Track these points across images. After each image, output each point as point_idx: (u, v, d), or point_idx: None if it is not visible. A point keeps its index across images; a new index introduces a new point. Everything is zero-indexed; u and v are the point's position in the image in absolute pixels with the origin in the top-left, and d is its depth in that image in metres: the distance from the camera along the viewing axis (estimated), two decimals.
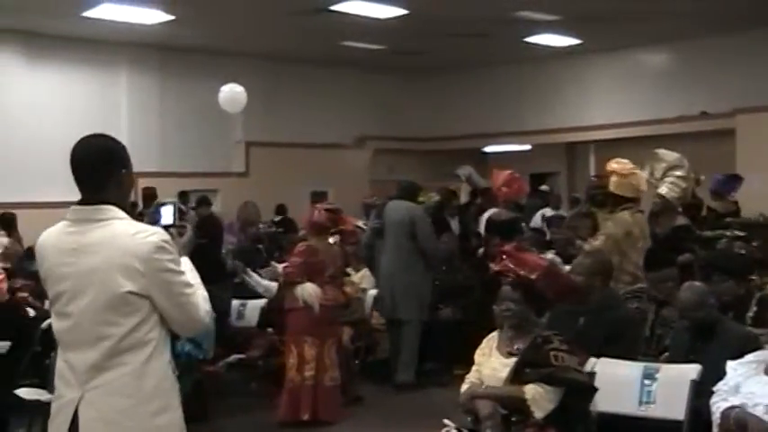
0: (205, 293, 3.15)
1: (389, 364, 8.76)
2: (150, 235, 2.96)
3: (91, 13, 12.03)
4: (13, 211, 11.19)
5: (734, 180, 11.18)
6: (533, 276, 4.58)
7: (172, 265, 3.00)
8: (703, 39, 14.91)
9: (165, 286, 2.97)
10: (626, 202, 7.33)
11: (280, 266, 9.20)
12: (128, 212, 3.05)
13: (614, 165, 7.46)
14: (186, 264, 3.19)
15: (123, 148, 3.11)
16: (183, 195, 12.66)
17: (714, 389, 4.21)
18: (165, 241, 2.99)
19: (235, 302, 8.36)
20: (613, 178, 7.41)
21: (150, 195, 12.18)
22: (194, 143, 15.00)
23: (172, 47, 14.67)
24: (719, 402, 4.12)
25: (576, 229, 8.22)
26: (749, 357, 4.23)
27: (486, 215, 11.80)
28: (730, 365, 4.22)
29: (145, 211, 8.58)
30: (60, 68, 13.91)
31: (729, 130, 14.34)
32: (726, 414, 4.04)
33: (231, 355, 7.69)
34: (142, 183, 13.09)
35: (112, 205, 3.00)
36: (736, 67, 14.70)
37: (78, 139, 3.08)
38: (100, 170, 3.02)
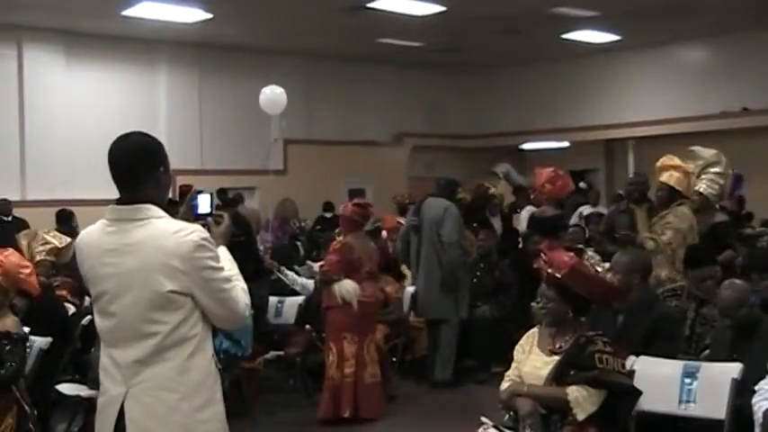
0: (244, 285, 3.17)
1: (427, 363, 8.77)
2: (190, 233, 2.97)
3: (130, 12, 12.14)
4: (68, 208, 11.32)
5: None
6: (559, 275, 4.55)
7: (212, 263, 3.01)
8: (743, 33, 14.72)
9: (205, 284, 2.99)
10: (680, 198, 7.35)
11: (316, 265, 9.24)
12: (166, 210, 3.06)
13: (677, 160, 7.48)
14: (224, 253, 3.22)
15: (161, 145, 3.12)
16: (222, 193, 12.73)
17: (756, 388, 4.17)
18: (205, 239, 3.00)
19: (272, 299, 8.39)
20: (676, 173, 7.41)
21: (187, 193, 12.18)
22: (233, 141, 15.08)
23: (210, 45, 14.75)
24: (762, 402, 4.08)
25: (615, 226, 8.18)
26: None
27: (524, 213, 11.77)
28: None
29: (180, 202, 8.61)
30: (100, 67, 14.04)
31: None
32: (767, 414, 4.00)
33: (269, 351, 7.71)
34: (180, 180, 13.17)
35: (151, 204, 3.01)
36: None
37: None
38: (138, 168, 3.03)
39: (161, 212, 3.02)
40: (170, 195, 3.24)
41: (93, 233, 3.10)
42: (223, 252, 3.22)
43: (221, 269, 3.06)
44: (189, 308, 2.98)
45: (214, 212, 3.45)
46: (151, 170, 3.06)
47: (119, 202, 3.05)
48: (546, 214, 9.84)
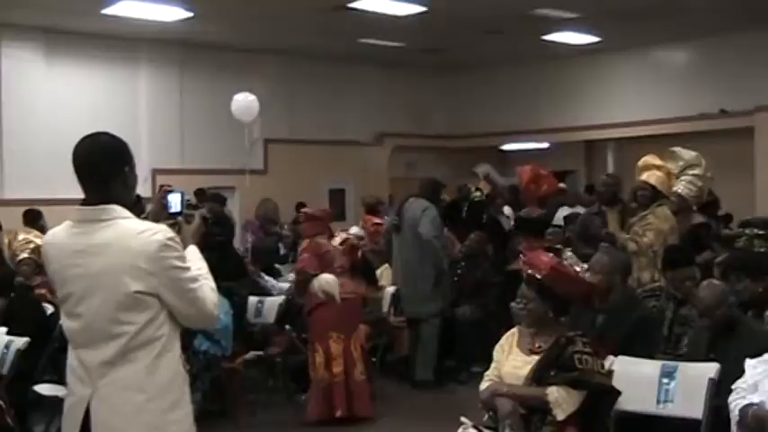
0: (213, 284, 3.16)
1: (408, 362, 8.78)
2: (155, 233, 2.96)
3: (110, 11, 12.08)
4: (36, 207, 11.26)
5: None
6: (539, 275, 4.57)
7: (178, 263, 3.01)
8: (723, 36, 14.82)
9: (172, 284, 2.98)
10: (662, 198, 7.37)
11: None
12: (132, 209, 3.06)
13: (659, 161, 7.50)
14: (194, 252, 3.22)
15: (126, 144, 3.12)
16: (200, 193, 12.68)
17: (733, 387, 4.21)
18: (170, 238, 3.00)
19: (252, 299, 8.38)
20: (658, 173, 7.42)
21: (168, 192, 12.10)
22: (214, 140, 15.02)
23: (192, 43, 14.70)
24: (738, 400, 4.11)
25: (588, 228, 8.24)
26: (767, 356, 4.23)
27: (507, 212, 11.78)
28: (749, 363, 4.22)
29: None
30: (80, 66, 13.97)
31: (748, 129, 14.27)
32: (744, 411, 4.04)
33: (250, 352, 7.70)
34: (161, 179, 13.15)
35: (117, 204, 3.00)
36: (755, 64, 14.62)
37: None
38: (104, 168, 3.03)
39: (126, 213, 3.02)
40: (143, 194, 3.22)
41: (58, 234, 3.10)
42: (193, 250, 3.22)
43: (188, 269, 3.05)
44: (156, 308, 2.97)
45: (185, 211, 3.44)
46: (118, 170, 3.06)
47: (84, 202, 3.04)
48: (532, 215, 9.86)
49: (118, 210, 3.00)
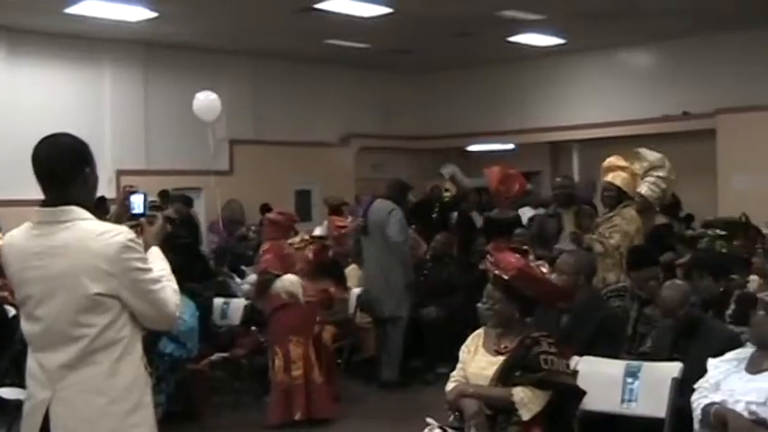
0: (175, 286, 3.15)
1: (376, 363, 8.78)
2: (116, 235, 2.95)
3: (74, 10, 11.96)
4: None
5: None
6: (506, 276, 4.58)
7: (139, 264, 2.99)
8: (686, 39, 14.99)
9: (134, 285, 2.96)
10: (627, 199, 7.40)
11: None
12: (96, 210, 3.04)
13: (623, 161, 7.51)
14: (157, 254, 3.20)
15: (86, 145, 3.10)
16: (164, 195, 12.60)
17: (695, 386, 4.25)
18: (131, 240, 2.98)
19: (218, 301, 8.35)
20: (623, 174, 7.44)
21: (131, 194, 12.00)
22: (179, 141, 14.93)
23: (156, 44, 14.60)
24: (700, 399, 4.16)
25: (543, 230, 8.31)
26: (729, 355, 4.27)
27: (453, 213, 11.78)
28: (711, 363, 4.26)
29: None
30: (42, 65, 13.81)
31: (710, 131, 14.44)
32: (706, 410, 4.08)
33: (215, 353, 7.67)
34: (125, 180, 13.06)
35: (77, 205, 2.98)
36: (718, 67, 14.80)
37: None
38: (65, 169, 3.00)
39: (86, 214, 2.99)
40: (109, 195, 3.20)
41: (17, 236, 3.07)
42: (155, 252, 3.20)
43: (149, 270, 3.04)
44: (116, 310, 2.95)
45: (148, 213, 3.42)
46: (78, 170, 3.03)
47: (44, 203, 3.02)
48: (503, 216, 9.87)
49: (78, 211, 2.98)
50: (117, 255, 2.91)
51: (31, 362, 3.03)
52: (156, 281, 3.04)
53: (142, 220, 3.36)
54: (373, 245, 8.66)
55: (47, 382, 2.95)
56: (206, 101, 12.75)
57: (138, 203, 3.43)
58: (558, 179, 8.97)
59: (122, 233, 2.97)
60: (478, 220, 11.31)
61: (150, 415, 3.09)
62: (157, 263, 3.14)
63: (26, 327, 3.05)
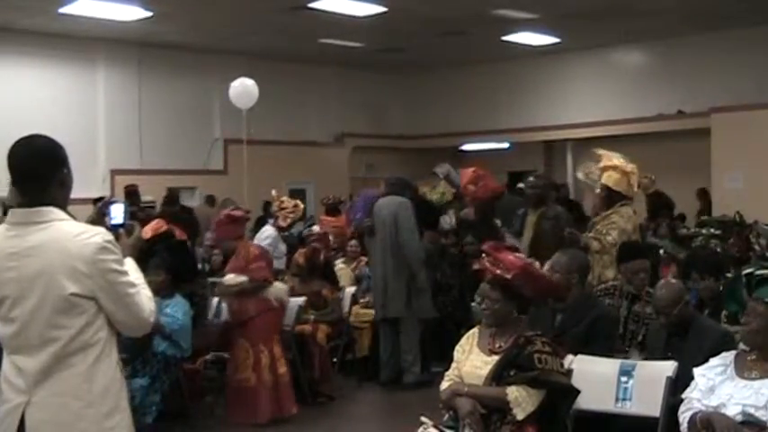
0: (149, 293, 3.12)
1: (369, 362, 8.75)
2: (93, 236, 2.93)
3: (68, 9, 11.96)
4: None
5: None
6: (509, 276, 4.57)
7: (116, 266, 2.97)
8: (681, 38, 15.03)
9: (110, 287, 2.94)
10: (621, 198, 7.35)
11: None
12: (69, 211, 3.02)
13: (615, 161, 7.43)
14: (130, 264, 3.16)
15: (61, 146, 3.07)
16: (171, 197, 12.61)
17: (683, 396, 4.19)
18: (108, 241, 2.96)
19: (213, 299, 8.32)
20: (614, 174, 7.36)
21: (132, 192, 12.09)
22: (173, 140, 14.92)
23: (150, 43, 14.59)
24: (686, 413, 4.08)
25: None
26: (714, 361, 4.17)
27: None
28: (697, 372, 4.16)
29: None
30: (36, 65, 13.81)
31: (705, 129, 14.46)
32: (692, 421, 4.02)
33: (209, 352, 7.65)
34: (120, 180, 13.04)
35: (54, 206, 2.96)
36: (712, 66, 14.85)
37: (47, 137, 3.06)
38: (44, 171, 2.98)
39: (63, 215, 2.97)
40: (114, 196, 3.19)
41: None
42: (129, 262, 3.15)
43: (126, 273, 3.02)
44: (92, 312, 2.94)
45: (126, 223, 3.38)
46: (55, 171, 3.01)
47: (21, 204, 3.00)
48: (470, 217, 9.78)
49: (55, 212, 2.96)
50: (93, 255, 2.90)
51: (7, 365, 3.00)
52: (132, 284, 3.02)
53: (121, 230, 3.32)
54: (381, 244, 8.49)
55: (23, 385, 2.92)
56: (241, 87, 12.54)
57: (117, 213, 3.39)
58: (530, 178, 8.59)
59: (99, 234, 2.95)
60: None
61: (127, 417, 3.07)
62: (132, 272, 3.11)
63: (1, 329, 3.02)
